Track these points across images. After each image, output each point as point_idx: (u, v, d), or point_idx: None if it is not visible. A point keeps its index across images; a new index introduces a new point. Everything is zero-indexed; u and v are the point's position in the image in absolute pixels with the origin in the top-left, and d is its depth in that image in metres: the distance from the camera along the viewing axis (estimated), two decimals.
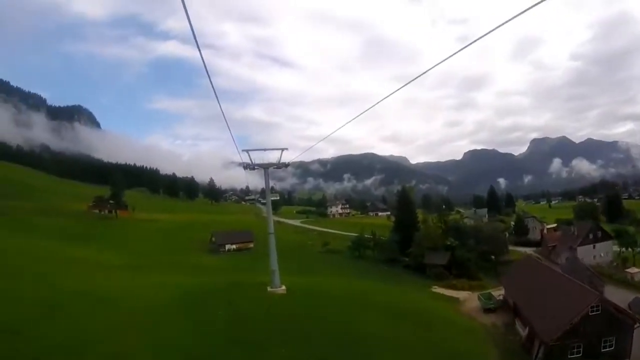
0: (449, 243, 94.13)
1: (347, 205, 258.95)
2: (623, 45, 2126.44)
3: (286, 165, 42.02)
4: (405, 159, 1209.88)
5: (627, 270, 75.66)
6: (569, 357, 34.76)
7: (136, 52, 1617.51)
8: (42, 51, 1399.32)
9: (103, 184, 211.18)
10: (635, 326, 35.53)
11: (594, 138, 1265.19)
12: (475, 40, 12.02)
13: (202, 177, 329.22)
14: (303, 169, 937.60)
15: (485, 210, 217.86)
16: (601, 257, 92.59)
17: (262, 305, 36.97)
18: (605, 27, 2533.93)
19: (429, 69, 14.54)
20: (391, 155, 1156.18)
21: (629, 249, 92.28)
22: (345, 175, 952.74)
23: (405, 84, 16.57)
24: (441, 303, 53.53)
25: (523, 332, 39.69)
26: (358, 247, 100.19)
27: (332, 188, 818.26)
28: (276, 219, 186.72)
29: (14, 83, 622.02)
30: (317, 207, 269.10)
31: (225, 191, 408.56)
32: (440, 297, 60.34)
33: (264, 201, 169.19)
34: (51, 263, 57.97)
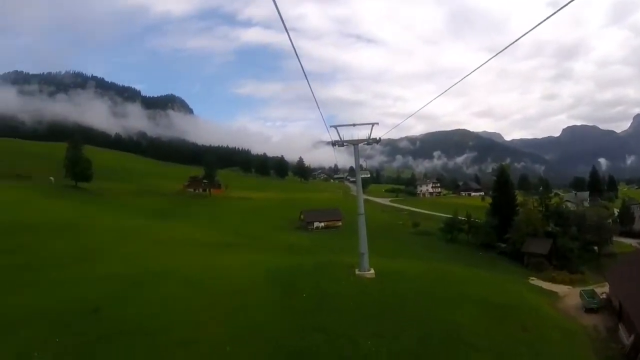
0: (549, 230, 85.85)
1: (438, 184, 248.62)
2: None
3: (377, 140, 38.64)
4: (499, 135, 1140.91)
5: None
6: None
7: (221, 41, 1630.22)
8: (133, 49, 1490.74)
9: (197, 165, 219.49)
10: None
11: None
12: (566, 4, 10.28)
13: (291, 157, 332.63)
14: (391, 147, 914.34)
15: (586, 193, 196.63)
16: None
17: (350, 290, 34.50)
18: None
19: (519, 38, 13.19)
20: (484, 132, 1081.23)
21: None
22: (435, 153, 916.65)
23: (496, 54, 15.36)
24: (538, 297, 47.74)
25: (627, 339, 33.62)
26: (451, 230, 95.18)
27: (421, 166, 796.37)
28: (365, 197, 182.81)
29: (108, 79, 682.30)
30: (406, 185, 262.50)
31: (314, 170, 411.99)
32: (538, 291, 54.33)
33: (353, 179, 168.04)
34: (140, 242, 59.58)
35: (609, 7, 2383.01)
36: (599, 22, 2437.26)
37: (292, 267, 42.06)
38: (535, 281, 62.03)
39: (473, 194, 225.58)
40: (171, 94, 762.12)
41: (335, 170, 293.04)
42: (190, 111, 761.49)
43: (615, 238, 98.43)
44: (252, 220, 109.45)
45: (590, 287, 51.01)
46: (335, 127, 38.77)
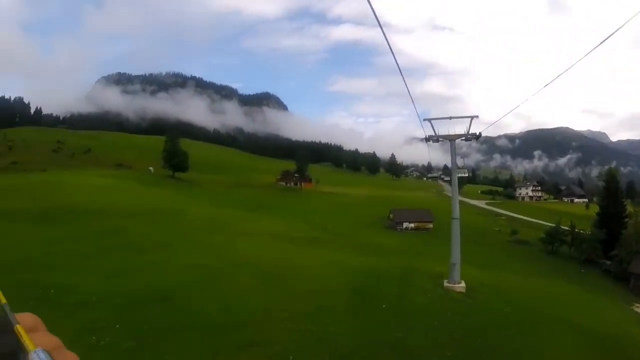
0: None
1: (539, 188, 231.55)
2: None
3: (477, 136, 33.74)
4: (604, 135, 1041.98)
5: None
6: None
7: (313, 40, 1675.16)
8: (229, 50, 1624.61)
9: (290, 160, 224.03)
10: None
11: None
12: None
13: (383, 153, 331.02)
14: (489, 145, 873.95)
15: None
16: None
17: (436, 305, 30.85)
18: None
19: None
20: (588, 131, 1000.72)
21: None
22: (536, 153, 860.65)
23: (600, 44, 13.33)
24: None
25: None
26: (552, 241, 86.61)
27: (520, 166, 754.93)
28: (459, 198, 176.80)
29: (207, 79, 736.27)
30: (504, 187, 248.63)
31: (407, 167, 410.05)
32: None
33: (448, 178, 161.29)
34: (227, 232, 58.48)
35: None
36: None
37: (375, 272, 38.87)
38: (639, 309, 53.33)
39: (576, 200, 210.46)
40: (266, 92, 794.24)
41: (428, 168, 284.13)
42: (285, 108, 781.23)
43: None
44: (340, 216, 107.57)
45: None
46: (430, 120, 34.54)
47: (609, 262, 76.68)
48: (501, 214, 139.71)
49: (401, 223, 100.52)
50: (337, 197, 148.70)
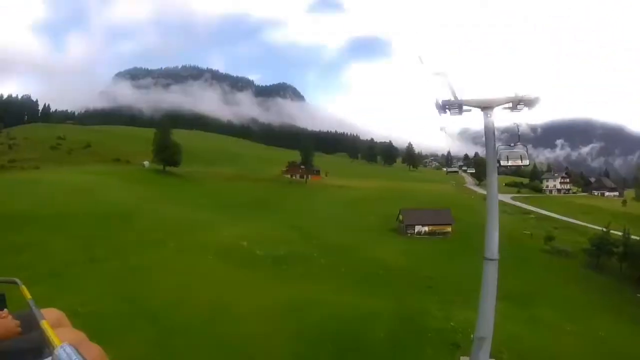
0: None
1: (567, 180, 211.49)
2: None
3: (532, 102, 17.40)
4: (626, 125, 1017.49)
5: None
6: None
7: (332, 30, 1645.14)
8: (248, 42, 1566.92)
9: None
10: None
11: None
12: None
13: (401, 143, 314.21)
14: (510, 134, 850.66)
15: None
16: None
17: None
18: None
19: None
20: (611, 120, 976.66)
21: None
22: (558, 142, 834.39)
23: None
24: None
25: None
26: (599, 253, 68.65)
27: (542, 156, 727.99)
28: (482, 192, 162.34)
29: (223, 71, 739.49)
30: (530, 179, 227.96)
31: (426, 157, 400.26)
32: None
33: (471, 170, 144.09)
34: (171, 245, 49.72)
35: None
36: None
37: (352, 330, 24.84)
38: None
39: (607, 193, 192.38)
40: (282, 83, 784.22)
41: (448, 159, 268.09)
42: (302, 98, 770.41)
43: None
44: (342, 216, 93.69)
45: None
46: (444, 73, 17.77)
47: None
48: (530, 211, 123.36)
49: (412, 226, 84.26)
50: (345, 191, 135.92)
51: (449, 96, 16.92)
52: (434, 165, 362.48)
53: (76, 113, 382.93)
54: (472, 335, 21.41)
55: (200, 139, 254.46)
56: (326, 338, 23.54)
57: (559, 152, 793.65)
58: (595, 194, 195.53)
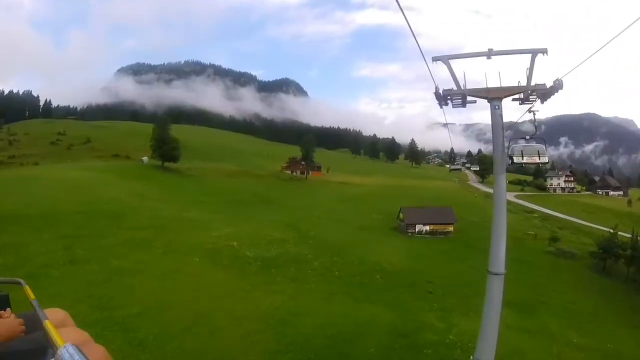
0: None
1: (572, 178, 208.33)
2: None
3: (548, 90, 14.24)
4: (631, 122, 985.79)
5: None
6: None
7: (337, 25, 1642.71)
8: (252, 38, 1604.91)
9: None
10: None
11: None
12: None
13: (404, 139, 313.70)
14: (513, 130, 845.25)
15: None
16: None
17: None
18: None
19: None
20: (615, 117, 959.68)
21: None
22: (562, 139, 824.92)
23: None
24: None
25: None
26: (606, 256, 65.73)
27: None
28: (485, 189, 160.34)
29: (226, 66, 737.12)
30: (534, 176, 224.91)
31: (429, 153, 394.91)
32: None
33: (475, 167, 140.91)
34: (157, 246, 47.33)
35: None
36: None
37: (339, 346, 22.53)
38: None
39: (611, 192, 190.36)
40: (285, 78, 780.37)
41: (451, 156, 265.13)
42: (305, 94, 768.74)
43: None
44: (342, 214, 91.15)
45: None
46: (442, 59, 14.74)
47: None
48: (534, 210, 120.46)
49: (413, 225, 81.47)
50: (346, 187, 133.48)
51: (451, 85, 14.54)
52: (437, 162, 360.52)
53: (78, 109, 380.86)
54: (471, 357, 19.09)
55: (202, 134, 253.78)
56: (309, 355, 21.27)
57: (563, 149, 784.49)
58: (600, 192, 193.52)
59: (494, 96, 14.16)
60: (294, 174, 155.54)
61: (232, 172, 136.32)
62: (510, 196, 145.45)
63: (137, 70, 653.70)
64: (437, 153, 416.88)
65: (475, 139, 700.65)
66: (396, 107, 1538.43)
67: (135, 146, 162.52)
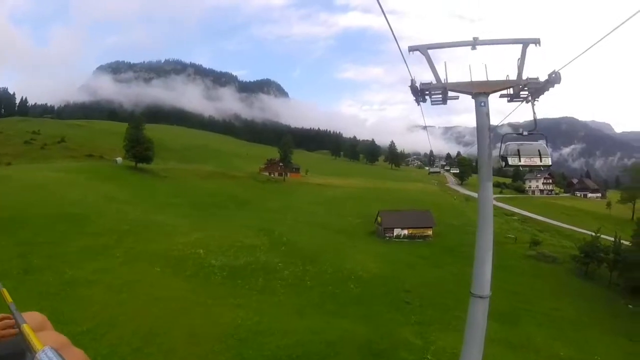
0: None
1: (550, 181, 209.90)
2: None
3: (544, 85, 11.52)
4: (608, 125, 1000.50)
5: None
6: None
7: (321, 27, 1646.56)
8: (235, 38, 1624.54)
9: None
10: None
11: None
12: None
13: (384, 141, 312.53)
14: (492, 133, 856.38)
15: None
16: None
17: None
18: None
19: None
20: (593, 121, 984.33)
21: None
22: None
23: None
24: None
25: None
26: (588, 261, 64.18)
27: None
28: (464, 192, 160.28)
29: (207, 66, 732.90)
30: (513, 179, 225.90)
31: (408, 155, 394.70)
32: None
33: (455, 170, 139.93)
34: (117, 254, 44.52)
35: None
36: None
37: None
38: None
39: (590, 195, 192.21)
40: (267, 79, 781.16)
41: (430, 158, 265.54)
42: (286, 95, 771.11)
43: None
44: (320, 218, 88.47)
45: None
46: (419, 49, 12.45)
47: None
48: (513, 213, 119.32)
49: (391, 230, 79.43)
50: (324, 189, 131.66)
51: (430, 78, 12.17)
52: (416, 164, 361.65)
53: (56, 107, 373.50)
54: None
55: (181, 134, 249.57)
56: None
57: None
58: (578, 195, 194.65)
59: (479, 91, 11.82)
60: (272, 175, 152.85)
61: (208, 173, 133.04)
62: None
63: (116, 69, 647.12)
64: (417, 155, 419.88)
65: (455, 141, 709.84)
66: (377, 109, 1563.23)
67: (111, 146, 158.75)
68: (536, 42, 11.86)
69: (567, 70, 11.86)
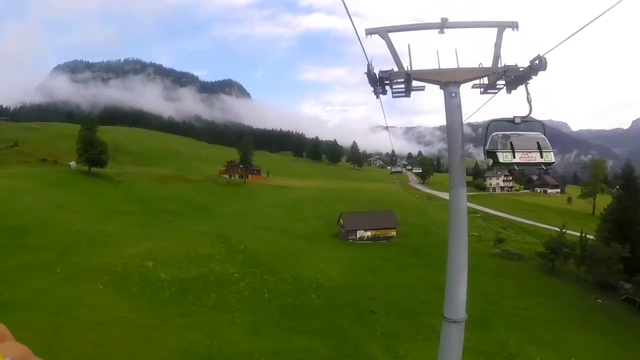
0: None
1: (510, 178, 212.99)
2: None
3: (530, 69, 9.13)
4: (565, 124, 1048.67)
5: None
6: None
7: (284, 28, 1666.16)
8: (197, 38, 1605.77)
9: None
10: None
11: None
12: None
13: (347, 141, 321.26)
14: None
15: None
16: None
17: None
18: None
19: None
20: (550, 120, 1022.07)
21: None
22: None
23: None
24: None
25: None
26: (554, 257, 63.84)
27: (482, 154, 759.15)
28: (427, 191, 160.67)
29: (168, 66, 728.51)
30: (473, 177, 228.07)
31: (370, 155, 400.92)
32: None
33: (417, 170, 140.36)
34: (55, 273, 39.64)
35: None
36: None
37: None
38: None
39: (550, 190, 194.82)
40: (229, 79, 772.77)
41: (392, 158, 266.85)
42: (248, 95, 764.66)
43: None
44: (281, 221, 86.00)
45: None
46: (378, 32, 9.62)
47: (628, 286, 57.27)
48: (476, 210, 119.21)
49: (354, 232, 77.54)
50: (286, 191, 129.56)
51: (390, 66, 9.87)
52: (378, 164, 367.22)
53: (11, 109, 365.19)
54: None
55: (139, 136, 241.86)
56: None
57: None
58: (538, 191, 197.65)
59: (449, 80, 9.63)
60: (232, 178, 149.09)
61: (165, 177, 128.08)
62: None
63: (74, 68, 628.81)
64: (379, 155, 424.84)
65: (416, 141, 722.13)
66: (340, 110, 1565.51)
67: (66, 150, 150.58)
68: (514, 26, 9.95)
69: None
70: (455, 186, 9.58)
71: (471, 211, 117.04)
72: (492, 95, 10.58)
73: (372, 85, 9.59)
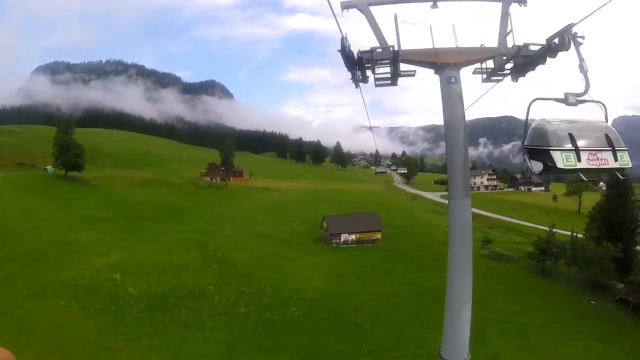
0: None
1: (495, 177, 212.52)
2: None
3: (547, 49, 6.47)
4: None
5: None
6: None
7: (267, 29, 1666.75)
8: (180, 38, 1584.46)
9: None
10: None
11: None
12: None
13: (330, 142, 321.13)
14: (435, 133, 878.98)
15: None
16: None
17: None
18: None
19: None
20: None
21: None
22: (481, 140, 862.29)
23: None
24: None
25: None
26: (544, 258, 61.93)
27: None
28: (410, 191, 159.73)
29: (150, 67, 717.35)
30: None
31: (354, 155, 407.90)
32: None
33: (402, 170, 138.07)
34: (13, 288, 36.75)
35: None
36: None
37: None
38: None
39: (534, 188, 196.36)
40: (211, 80, 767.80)
41: (376, 158, 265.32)
42: (231, 96, 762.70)
43: None
44: (262, 225, 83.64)
45: None
46: (362, 5, 7.36)
47: (622, 286, 55.88)
48: None
49: (338, 235, 75.14)
50: (269, 193, 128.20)
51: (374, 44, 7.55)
52: (362, 164, 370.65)
53: None
54: None
55: (120, 138, 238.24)
56: None
57: (482, 149, 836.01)
58: (522, 189, 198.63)
59: (447, 61, 7.36)
60: (214, 180, 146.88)
61: (144, 181, 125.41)
62: (436, 197, 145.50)
63: (55, 70, 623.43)
64: (363, 155, 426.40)
65: (400, 141, 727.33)
66: (323, 111, 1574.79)
67: (44, 153, 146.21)
68: (521, 1, 7.73)
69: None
70: (458, 196, 6.98)
71: None
72: (494, 83, 8.12)
73: (348, 69, 7.12)
